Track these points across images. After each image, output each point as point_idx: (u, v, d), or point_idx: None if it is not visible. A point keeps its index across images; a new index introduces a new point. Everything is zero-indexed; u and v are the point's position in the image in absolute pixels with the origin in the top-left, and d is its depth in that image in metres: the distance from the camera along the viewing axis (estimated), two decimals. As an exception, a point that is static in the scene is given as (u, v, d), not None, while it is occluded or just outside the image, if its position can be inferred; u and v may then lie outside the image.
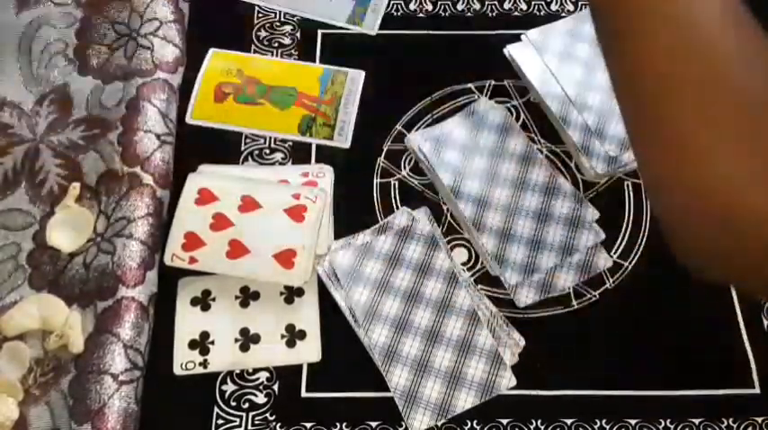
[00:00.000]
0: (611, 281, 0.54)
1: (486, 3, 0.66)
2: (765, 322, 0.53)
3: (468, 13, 0.65)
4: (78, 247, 0.52)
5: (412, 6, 0.65)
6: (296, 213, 0.52)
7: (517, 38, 0.61)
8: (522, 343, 0.51)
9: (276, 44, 0.63)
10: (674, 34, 0.32)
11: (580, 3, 0.66)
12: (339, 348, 0.51)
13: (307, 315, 0.52)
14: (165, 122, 0.56)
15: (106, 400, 0.46)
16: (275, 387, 0.50)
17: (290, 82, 0.60)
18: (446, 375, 0.49)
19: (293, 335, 0.51)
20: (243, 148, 0.58)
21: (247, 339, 0.51)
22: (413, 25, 0.64)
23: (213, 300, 0.52)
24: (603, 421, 0.49)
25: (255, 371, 0.50)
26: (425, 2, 0.66)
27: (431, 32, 0.64)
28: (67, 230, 0.52)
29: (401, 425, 0.48)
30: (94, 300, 0.49)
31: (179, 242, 0.51)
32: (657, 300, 0.53)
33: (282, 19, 0.64)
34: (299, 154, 0.58)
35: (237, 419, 0.49)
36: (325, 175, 0.56)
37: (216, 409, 0.49)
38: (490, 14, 0.65)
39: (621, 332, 0.52)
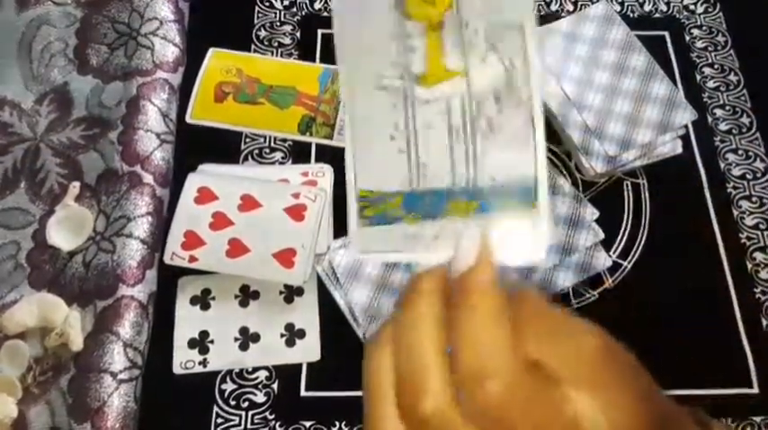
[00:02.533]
0: (610, 280, 0.54)
1: (486, 3, 0.66)
2: (764, 322, 0.53)
3: (468, 14, 0.65)
4: (78, 246, 0.52)
5: (412, 6, 0.65)
6: (296, 212, 0.52)
7: (517, 38, 0.61)
8: (522, 342, 0.51)
9: (276, 44, 0.63)
10: None
11: (580, 3, 0.66)
12: (338, 347, 0.51)
13: (306, 314, 0.52)
14: (165, 122, 0.56)
15: (105, 399, 0.46)
16: (275, 386, 0.50)
17: (289, 81, 0.60)
18: (445, 374, 0.49)
19: (293, 334, 0.51)
20: (243, 148, 0.58)
21: (247, 338, 0.51)
22: (412, 25, 0.64)
23: (213, 299, 0.52)
24: (602, 420, 0.49)
25: (255, 370, 0.50)
26: (425, 2, 0.66)
27: (430, 32, 0.64)
28: (67, 229, 0.52)
29: (400, 424, 0.48)
30: (94, 298, 0.49)
31: (179, 241, 0.51)
32: (656, 299, 0.53)
33: (282, 19, 0.64)
34: (298, 153, 0.58)
35: (237, 418, 0.49)
36: (324, 175, 0.56)
37: (215, 408, 0.49)
38: (490, 14, 0.65)
39: (620, 331, 0.52)
